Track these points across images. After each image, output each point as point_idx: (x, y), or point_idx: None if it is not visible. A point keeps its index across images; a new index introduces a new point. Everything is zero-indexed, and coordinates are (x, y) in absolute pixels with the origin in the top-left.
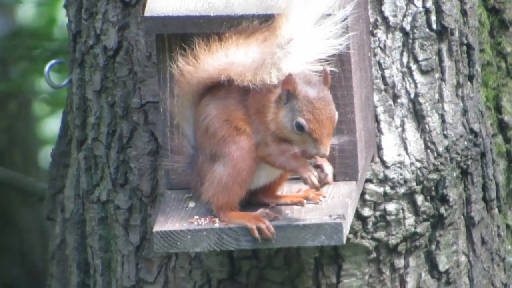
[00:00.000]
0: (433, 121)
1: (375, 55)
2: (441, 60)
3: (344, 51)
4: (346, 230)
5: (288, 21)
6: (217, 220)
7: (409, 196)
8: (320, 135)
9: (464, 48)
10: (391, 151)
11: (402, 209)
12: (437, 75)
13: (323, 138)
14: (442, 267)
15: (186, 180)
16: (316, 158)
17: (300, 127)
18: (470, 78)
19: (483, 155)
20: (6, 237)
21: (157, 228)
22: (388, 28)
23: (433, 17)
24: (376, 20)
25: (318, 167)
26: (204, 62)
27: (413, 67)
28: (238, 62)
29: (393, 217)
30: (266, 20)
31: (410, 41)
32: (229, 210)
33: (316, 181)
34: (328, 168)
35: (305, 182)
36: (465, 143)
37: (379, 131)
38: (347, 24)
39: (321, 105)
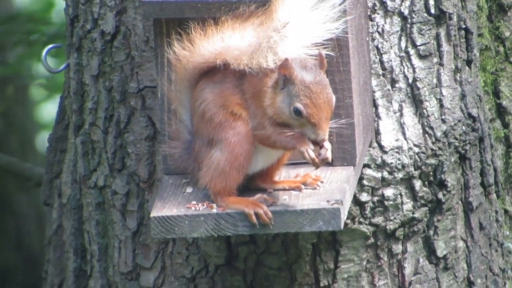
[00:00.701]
0: (431, 106)
1: (373, 39)
2: (439, 45)
3: (342, 36)
4: (344, 216)
5: (285, 4)
6: (214, 205)
7: (407, 181)
8: (318, 119)
9: (463, 32)
10: (389, 136)
11: (400, 194)
12: (435, 60)
13: (322, 122)
14: (440, 252)
15: (184, 166)
16: None
17: (298, 112)
18: (468, 62)
19: (481, 140)
20: (3, 222)
21: (154, 213)
22: (386, 12)
23: (431, 2)
24: (374, 4)
25: (317, 144)
26: (200, 46)
27: (411, 51)
28: (234, 46)
29: (391, 202)
30: (263, 5)
31: (408, 25)
32: (226, 195)
33: (313, 155)
34: (327, 145)
35: (303, 155)
36: (463, 128)
37: (377, 116)
38: (344, 8)
39: (318, 89)
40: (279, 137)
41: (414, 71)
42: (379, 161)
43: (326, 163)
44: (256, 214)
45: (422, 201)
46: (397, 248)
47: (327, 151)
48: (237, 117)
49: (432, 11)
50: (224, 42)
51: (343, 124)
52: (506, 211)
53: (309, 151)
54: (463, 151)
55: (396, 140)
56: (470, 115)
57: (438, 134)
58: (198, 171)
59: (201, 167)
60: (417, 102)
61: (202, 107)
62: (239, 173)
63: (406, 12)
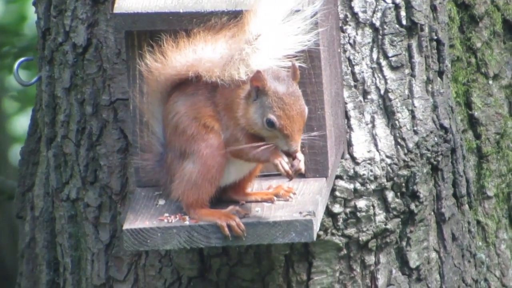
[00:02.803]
0: (403, 117)
1: (345, 51)
2: (411, 56)
3: (314, 48)
4: (316, 227)
5: (257, 16)
6: (187, 217)
7: (380, 193)
8: (291, 131)
9: (434, 43)
10: (361, 147)
11: (373, 205)
12: (407, 71)
13: (294, 134)
14: (412, 263)
15: (156, 178)
16: None
17: (271, 123)
18: (440, 73)
19: (453, 151)
20: None
21: (127, 226)
22: (358, 24)
23: (402, 13)
24: (346, 16)
25: (289, 155)
26: (172, 58)
27: (383, 63)
28: (206, 58)
29: (364, 213)
30: (235, 17)
31: (380, 37)
32: (199, 208)
33: (287, 167)
34: (300, 156)
35: (277, 168)
36: (435, 139)
37: (349, 127)
38: (316, 20)
39: (291, 100)
40: (252, 149)
41: (386, 83)
42: (351, 172)
43: (299, 174)
44: (229, 226)
45: (395, 212)
46: (370, 259)
47: (300, 162)
48: (210, 129)
49: (404, 22)
50: (196, 54)
51: (315, 136)
52: (478, 222)
53: (283, 163)
54: (435, 162)
55: (368, 152)
56: (442, 126)
57: (410, 145)
58: (170, 184)
59: (174, 180)
60: (389, 113)
61: (175, 120)
62: (212, 186)
63: (377, 23)
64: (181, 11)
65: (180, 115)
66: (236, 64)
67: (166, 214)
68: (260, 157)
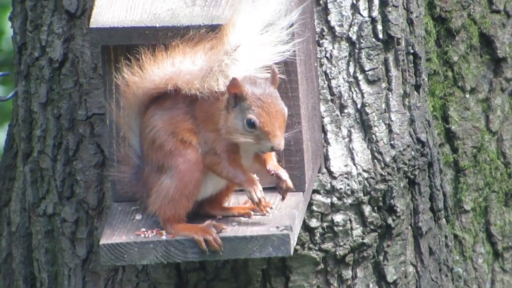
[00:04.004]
0: (380, 131)
1: (321, 65)
2: (387, 70)
3: (291, 59)
4: (293, 242)
5: (235, 28)
6: (164, 232)
7: (357, 207)
8: (272, 127)
9: (411, 57)
10: (338, 161)
11: (350, 219)
12: (383, 85)
13: (275, 130)
14: (390, 278)
15: (132, 191)
16: (269, 167)
17: (251, 123)
18: (417, 87)
19: (430, 165)
20: None
21: (103, 241)
22: (335, 38)
23: (379, 27)
24: (322, 30)
25: (273, 175)
26: (150, 72)
27: (360, 77)
28: (185, 70)
29: (341, 228)
30: (212, 30)
31: (357, 50)
32: (176, 222)
33: (260, 196)
34: (285, 175)
35: (248, 196)
36: (412, 153)
37: (326, 141)
38: (293, 31)
39: (269, 99)
40: (229, 166)
41: (362, 96)
42: (328, 186)
43: (288, 191)
44: (206, 241)
45: (372, 227)
46: (347, 273)
47: (286, 182)
48: (187, 144)
49: (380, 36)
50: (175, 67)
51: (290, 133)
52: (455, 236)
53: (257, 191)
54: (412, 176)
55: (345, 166)
56: (419, 140)
57: (387, 159)
58: (147, 198)
59: (151, 194)
60: (366, 127)
61: (152, 134)
62: (189, 201)
63: (354, 37)
64: (157, 25)
65: (157, 129)
66: (216, 75)
67: (143, 229)
68: (234, 177)
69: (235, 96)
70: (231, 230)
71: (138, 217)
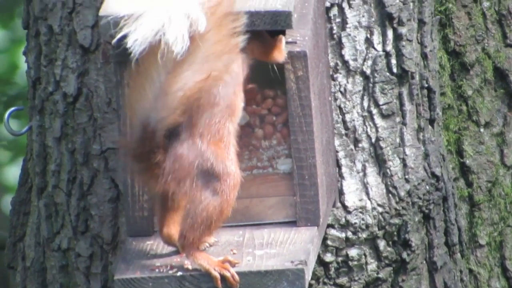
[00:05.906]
0: (394, 165)
1: (335, 99)
2: (402, 104)
3: (305, 95)
4: (308, 276)
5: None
6: (177, 268)
7: (371, 241)
8: None
9: (425, 91)
10: (352, 196)
11: (364, 254)
12: (398, 119)
13: None
14: None
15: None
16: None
17: None
18: (431, 121)
19: (445, 199)
20: None
21: (118, 275)
22: (349, 72)
23: (393, 61)
24: (336, 64)
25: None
26: None
27: (374, 111)
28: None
29: (355, 262)
30: None
31: (371, 85)
32: (196, 249)
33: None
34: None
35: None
36: (427, 187)
37: (340, 176)
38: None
39: None
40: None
41: (377, 131)
42: (342, 221)
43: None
44: (222, 276)
45: (387, 261)
46: None
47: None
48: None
49: (394, 70)
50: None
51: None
52: (470, 271)
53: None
54: (427, 211)
55: (360, 200)
56: (433, 175)
57: (402, 193)
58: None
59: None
60: (380, 161)
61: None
62: (218, 227)
63: (368, 71)
64: None
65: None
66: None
67: (158, 264)
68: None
69: None
70: (245, 265)
71: (153, 252)
